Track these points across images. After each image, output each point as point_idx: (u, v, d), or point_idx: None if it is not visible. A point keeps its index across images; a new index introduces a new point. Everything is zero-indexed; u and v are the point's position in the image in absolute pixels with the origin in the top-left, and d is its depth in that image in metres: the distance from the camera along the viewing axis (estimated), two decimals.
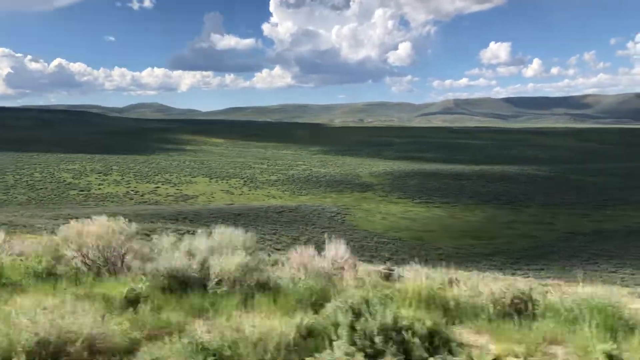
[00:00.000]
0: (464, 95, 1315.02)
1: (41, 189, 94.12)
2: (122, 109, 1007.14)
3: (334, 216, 72.83)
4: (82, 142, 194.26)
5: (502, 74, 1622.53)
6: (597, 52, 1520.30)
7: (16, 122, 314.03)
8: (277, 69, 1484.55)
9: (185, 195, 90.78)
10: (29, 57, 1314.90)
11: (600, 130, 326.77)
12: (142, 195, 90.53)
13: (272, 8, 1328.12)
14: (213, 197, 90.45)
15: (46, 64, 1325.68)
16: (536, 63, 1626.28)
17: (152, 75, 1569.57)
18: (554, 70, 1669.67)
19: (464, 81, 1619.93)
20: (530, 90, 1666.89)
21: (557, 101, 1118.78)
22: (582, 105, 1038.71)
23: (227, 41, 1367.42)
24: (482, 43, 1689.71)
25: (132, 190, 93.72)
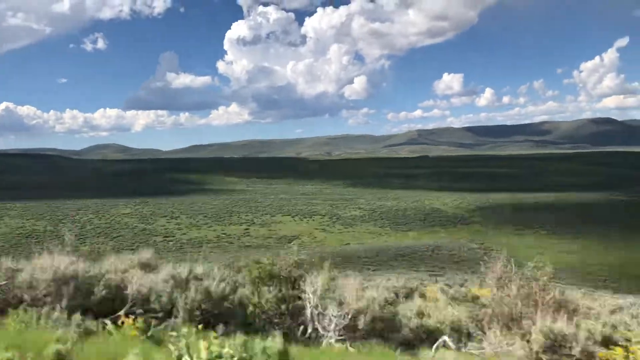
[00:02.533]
0: (418, 126, 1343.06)
1: (118, 236, 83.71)
2: (80, 151, 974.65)
3: (487, 253, 66.01)
4: (89, 185, 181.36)
5: (456, 104, 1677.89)
6: (546, 81, 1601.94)
7: None
8: (234, 106, 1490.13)
9: (286, 235, 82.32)
10: None
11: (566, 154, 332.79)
12: (239, 239, 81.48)
13: (226, 46, 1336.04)
14: (317, 237, 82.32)
15: None
16: (488, 92, 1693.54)
17: (105, 116, 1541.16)
18: (505, 99, 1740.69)
19: (418, 112, 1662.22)
20: (483, 119, 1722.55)
21: (516, 129, 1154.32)
22: (541, 132, 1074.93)
23: (183, 80, 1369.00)
24: (435, 75, 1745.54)
25: (223, 233, 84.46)
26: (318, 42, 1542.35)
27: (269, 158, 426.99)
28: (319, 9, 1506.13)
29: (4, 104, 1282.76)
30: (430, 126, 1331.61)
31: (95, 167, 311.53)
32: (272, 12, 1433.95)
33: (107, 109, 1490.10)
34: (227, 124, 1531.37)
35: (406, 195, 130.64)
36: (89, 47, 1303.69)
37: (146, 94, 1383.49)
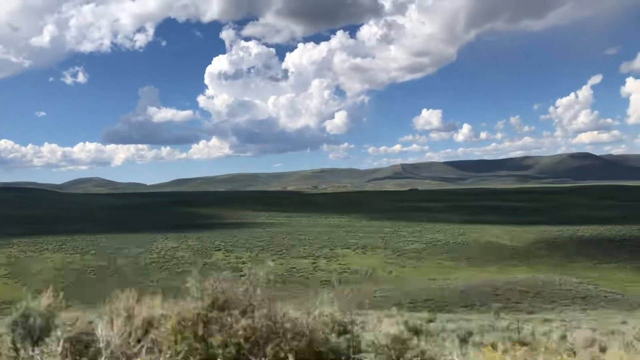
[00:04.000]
0: (399, 160, 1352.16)
1: (183, 271, 78.64)
2: (61, 185, 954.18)
3: (596, 287, 63.20)
4: (102, 219, 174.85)
5: (434, 139, 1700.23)
6: (522, 117, 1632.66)
7: None
8: (215, 140, 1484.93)
9: (370, 271, 78.47)
10: None
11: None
12: (312, 273, 77.37)
13: (207, 80, 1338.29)
14: (393, 271, 78.66)
15: None
16: (466, 128, 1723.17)
17: (84, 150, 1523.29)
18: (483, 135, 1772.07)
19: (398, 147, 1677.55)
20: (461, 154, 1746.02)
21: (497, 163, 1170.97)
22: (522, 167, 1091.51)
23: (164, 114, 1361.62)
24: (414, 110, 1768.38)
25: (292, 267, 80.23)
26: (299, 76, 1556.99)
27: (275, 191, 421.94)
28: (300, 44, 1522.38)
29: None
30: (411, 160, 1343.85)
31: (94, 201, 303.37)
32: (254, 47, 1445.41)
33: (87, 142, 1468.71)
34: (208, 157, 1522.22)
35: (448, 229, 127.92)
36: (68, 80, 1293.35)
37: (126, 127, 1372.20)
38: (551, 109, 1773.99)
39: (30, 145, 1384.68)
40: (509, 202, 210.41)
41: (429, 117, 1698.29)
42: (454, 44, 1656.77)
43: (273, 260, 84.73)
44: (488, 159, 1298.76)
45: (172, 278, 76.09)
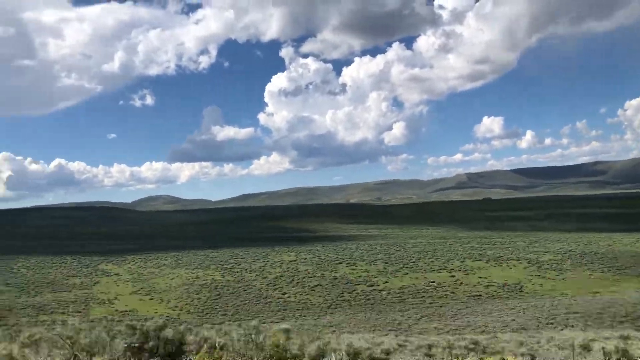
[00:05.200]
0: (459, 170, 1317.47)
1: (316, 285, 75.52)
2: (132, 203, 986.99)
3: None
4: (193, 234, 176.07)
5: (496, 147, 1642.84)
6: (589, 121, 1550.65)
7: (52, 221, 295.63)
8: (275, 155, 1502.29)
9: (507, 283, 72.73)
10: (29, 159, 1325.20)
11: None
12: (457, 287, 72.20)
13: (267, 98, 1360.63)
14: (544, 285, 72.31)
15: (46, 165, 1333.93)
16: (529, 134, 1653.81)
17: (151, 169, 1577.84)
18: (548, 141, 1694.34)
19: (458, 156, 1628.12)
20: (525, 161, 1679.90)
21: (567, 170, 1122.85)
22: (594, 172, 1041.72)
23: (226, 132, 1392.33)
24: (475, 119, 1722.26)
25: (432, 282, 75.33)
26: (356, 90, 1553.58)
27: (354, 204, 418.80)
28: (356, 58, 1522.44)
29: (56, 161, 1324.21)
30: (472, 169, 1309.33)
31: (175, 217, 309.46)
32: (312, 63, 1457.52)
33: (153, 162, 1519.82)
34: (269, 173, 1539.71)
35: (568, 237, 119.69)
36: (137, 103, 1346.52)
37: (191, 146, 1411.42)
38: (620, 111, 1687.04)
39: (101, 166, 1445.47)
40: (610, 210, 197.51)
41: (491, 124, 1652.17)
42: (514, 50, 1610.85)
43: (406, 274, 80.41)
44: (555, 165, 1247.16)
45: (307, 292, 73.03)
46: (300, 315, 61.01)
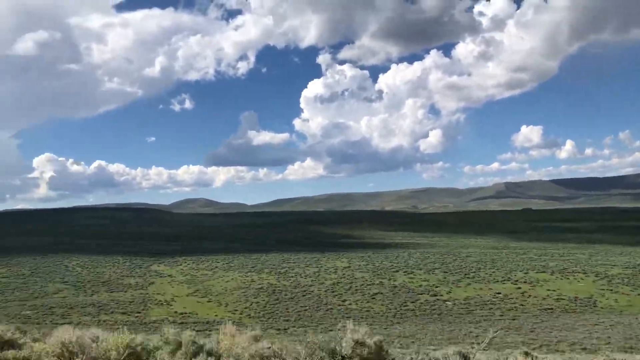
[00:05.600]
0: (496, 179, 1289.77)
1: (377, 293, 73.37)
2: (170, 205, 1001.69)
3: None
4: (242, 238, 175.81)
5: (535, 157, 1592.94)
6: (632, 132, 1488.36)
7: (96, 221, 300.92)
8: (309, 161, 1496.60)
9: (578, 297, 69.21)
10: (71, 160, 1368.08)
11: None
12: (525, 299, 68.99)
13: (302, 104, 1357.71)
14: (619, 300, 68.45)
15: (86, 166, 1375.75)
16: (569, 144, 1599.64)
17: (188, 172, 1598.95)
18: (588, 151, 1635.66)
19: (495, 165, 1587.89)
20: (564, 171, 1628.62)
21: (609, 181, 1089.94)
22: (638, 185, 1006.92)
23: (262, 137, 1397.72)
24: (513, 127, 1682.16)
25: (498, 293, 72.27)
26: (393, 97, 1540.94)
27: (396, 211, 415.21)
28: (393, 65, 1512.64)
29: (96, 162, 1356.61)
30: (509, 179, 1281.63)
31: (215, 220, 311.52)
32: (348, 70, 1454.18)
33: (190, 165, 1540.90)
34: (303, 178, 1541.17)
35: (631, 251, 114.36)
36: (176, 107, 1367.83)
37: (227, 150, 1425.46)
38: None
39: (139, 169, 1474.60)
40: None
41: (529, 133, 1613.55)
42: (555, 58, 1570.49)
43: (469, 285, 77.53)
44: (596, 176, 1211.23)
45: (368, 300, 71.00)
46: (367, 324, 58.83)
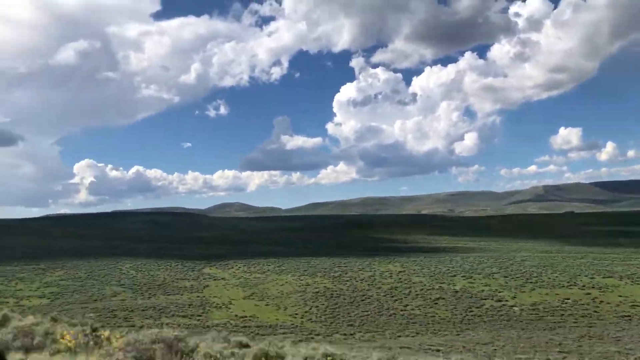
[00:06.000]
0: (533, 182, 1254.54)
1: (439, 298, 71.38)
2: (206, 210, 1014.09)
3: None
4: (288, 241, 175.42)
5: (573, 160, 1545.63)
6: None
7: (137, 225, 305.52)
8: (342, 165, 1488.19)
9: None
10: (110, 166, 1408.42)
11: None
12: (598, 305, 65.90)
13: (335, 109, 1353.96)
14: None
15: (125, 172, 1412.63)
16: (610, 146, 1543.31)
17: (223, 177, 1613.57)
18: (631, 153, 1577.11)
19: (532, 168, 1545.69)
20: (605, 174, 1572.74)
21: None
22: None
23: (295, 141, 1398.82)
24: (551, 129, 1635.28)
25: (567, 299, 69.35)
26: (426, 99, 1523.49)
27: (442, 215, 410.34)
28: (427, 68, 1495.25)
29: (135, 168, 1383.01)
30: (547, 182, 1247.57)
31: (256, 225, 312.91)
32: (381, 73, 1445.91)
33: (225, 170, 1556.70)
34: (336, 182, 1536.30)
35: None
36: (212, 113, 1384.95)
37: (261, 155, 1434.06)
38: None
39: (176, 174, 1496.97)
40: None
41: (568, 135, 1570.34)
42: (594, 58, 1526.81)
43: (533, 290, 74.80)
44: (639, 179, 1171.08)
45: (431, 305, 69.09)
46: (435, 331, 57.12)
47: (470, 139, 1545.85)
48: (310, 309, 69.11)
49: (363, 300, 71.93)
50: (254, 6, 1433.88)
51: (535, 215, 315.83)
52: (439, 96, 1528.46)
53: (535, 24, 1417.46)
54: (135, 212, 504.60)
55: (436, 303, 69.61)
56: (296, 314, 67.32)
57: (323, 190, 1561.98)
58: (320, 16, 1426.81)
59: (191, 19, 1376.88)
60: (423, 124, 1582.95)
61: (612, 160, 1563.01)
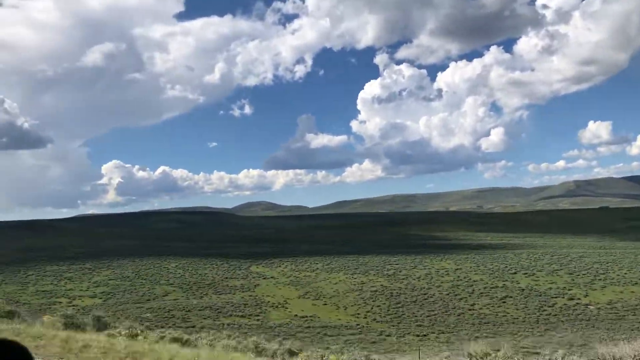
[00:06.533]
0: (562, 178, 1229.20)
1: (506, 297, 68.06)
2: (233, 209, 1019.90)
3: None
4: (326, 239, 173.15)
5: (603, 154, 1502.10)
6: None
7: (167, 224, 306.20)
8: (367, 163, 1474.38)
9: None
10: (137, 166, 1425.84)
11: None
12: None
13: (359, 106, 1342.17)
14: None
15: (151, 172, 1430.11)
16: None
17: (248, 176, 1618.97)
18: None
19: (561, 163, 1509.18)
20: (636, 169, 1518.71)
21: None
22: None
23: (320, 140, 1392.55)
24: (580, 123, 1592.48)
25: None
26: (452, 95, 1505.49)
27: (480, 212, 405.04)
28: (452, 63, 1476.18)
29: (161, 168, 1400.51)
30: (575, 177, 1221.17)
31: (287, 223, 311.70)
32: (406, 70, 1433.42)
33: (250, 169, 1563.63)
34: (361, 180, 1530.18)
35: None
36: (236, 112, 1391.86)
37: (286, 154, 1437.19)
38: None
39: (202, 174, 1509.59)
40: None
41: (597, 129, 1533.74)
42: (625, 50, 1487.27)
43: (604, 287, 70.89)
44: None
45: (499, 305, 65.78)
46: (513, 332, 53.90)
47: (496, 135, 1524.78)
48: (372, 308, 66.45)
49: (426, 299, 68.99)
50: (277, 4, 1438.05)
51: (574, 210, 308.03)
52: (464, 92, 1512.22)
53: (563, 15, 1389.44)
54: (164, 212, 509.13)
55: (504, 302, 66.29)
56: (358, 313, 64.75)
57: (348, 188, 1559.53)
58: (344, 12, 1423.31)
59: (214, 19, 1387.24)
60: (449, 120, 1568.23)
61: None
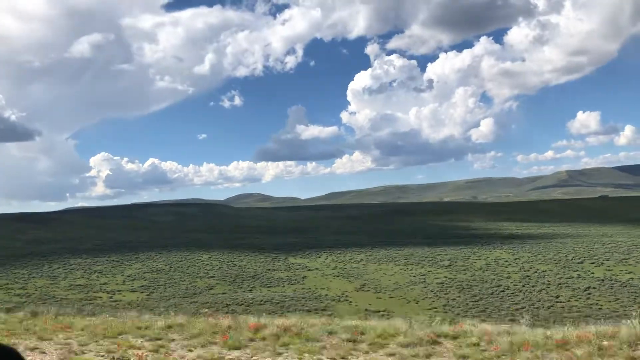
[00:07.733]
0: (550, 168, 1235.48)
1: (588, 287, 63.42)
2: (225, 200, 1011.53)
3: None
4: (349, 230, 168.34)
5: (592, 144, 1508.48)
6: None
7: (161, 218, 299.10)
8: (357, 154, 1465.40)
9: None
10: (126, 159, 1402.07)
11: None
12: None
13: (349, 97, 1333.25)
14: None
15: (140, 164, 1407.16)
16: (629, 130, 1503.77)
17: (238, 168, 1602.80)
18: None
19: (549, 154, 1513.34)
20: (623, 158, 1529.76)
21: None
22: None
23: (311, 131, 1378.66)
24: (569, 114, 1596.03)
25: None
26: (442, 86, 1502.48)
27: (498, 202, 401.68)
28: (442, 54, 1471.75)
29: (150, 160, 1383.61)
30: (564, 167, 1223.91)
31: (290, 215, 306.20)
32: (397, 60, 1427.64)
33: (240, 161, 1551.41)
34: (351, 171, 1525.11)
35: None
36: (226, 103, 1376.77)
37: (276, 145, 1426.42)
38: None
39: (191, 166, 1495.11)
40: None
41: (586, 120, 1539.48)
42: (615, 40, 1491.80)
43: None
44: None
45: (584, 296, 61.11)
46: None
47: (486, 126, 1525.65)
48: (448, 301, 61.52)
49: (502, 291, 64.18)
50: None
51: (592, 199, 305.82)
52: (455, 82, 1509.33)
53: (555, 5, 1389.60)
54: (156, 204, 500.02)
55: (589, 293, 61.68)
56: (435, 307, 59.80)
57: (338, 179, 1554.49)
58: (335, 2, 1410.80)
59: (203, 9, 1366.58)
60: (439, 111, 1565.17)
61: (630, 145, 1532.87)
